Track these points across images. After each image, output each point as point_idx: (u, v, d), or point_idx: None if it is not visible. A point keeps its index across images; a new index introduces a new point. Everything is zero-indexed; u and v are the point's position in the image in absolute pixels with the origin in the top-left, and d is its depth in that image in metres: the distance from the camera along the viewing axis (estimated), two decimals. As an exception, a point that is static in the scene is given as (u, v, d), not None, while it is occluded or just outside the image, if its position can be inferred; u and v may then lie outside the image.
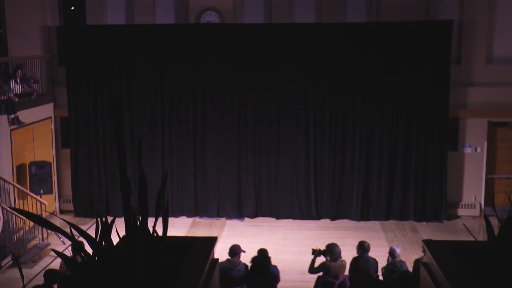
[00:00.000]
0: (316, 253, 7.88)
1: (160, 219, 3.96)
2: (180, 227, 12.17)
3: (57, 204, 13.27)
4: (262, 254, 8.03)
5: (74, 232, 3.75)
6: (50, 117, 13.01)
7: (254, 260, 8.03)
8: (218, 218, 12.86)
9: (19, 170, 11.72)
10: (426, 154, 12.46)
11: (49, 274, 7.08)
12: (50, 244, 10.99)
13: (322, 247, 8.00)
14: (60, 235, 10.00)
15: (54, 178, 12.76)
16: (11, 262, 9.97)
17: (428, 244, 5.41)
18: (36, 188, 11.60)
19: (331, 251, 7.86)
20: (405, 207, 12.65)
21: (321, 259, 7.96)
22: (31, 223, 10.99)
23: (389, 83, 12.28)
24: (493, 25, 12.63)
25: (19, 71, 11.94)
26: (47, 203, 11.58)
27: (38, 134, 12.47)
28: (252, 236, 11.68)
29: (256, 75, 12.42)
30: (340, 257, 7.92)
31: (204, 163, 12.78)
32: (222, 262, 7.74)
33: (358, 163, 12.55)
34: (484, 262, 4.54)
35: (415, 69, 12.17)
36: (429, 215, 12.59)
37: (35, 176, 11.65)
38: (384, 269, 8.08)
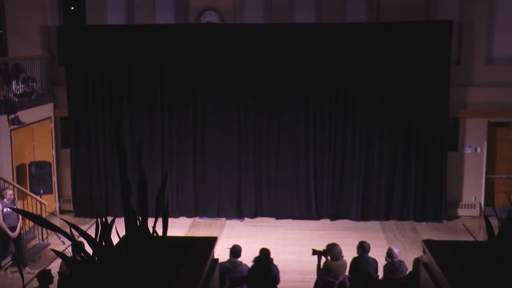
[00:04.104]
0: (318, 254, 7.88)
1: (160, 219, 3.96)
2: (180, 227, 12.17)
3: (57, 204, 13.27)
4: (265, 254, 8.03)
5: (74, 232, 3.75)
6: (50, 117, 13.01)
7: (256, 260, 8.02)
8: (218, 218, 12.87)
9: (19, 170, 11.72)
10: (426, 154, 12.46)
11: (42, 276, 7.06)
12: (50, 244, 10.99)
13: (322, 247, 8.00)
14: (60, 235, 10.00)
15: (54, 178, 12.76)
16: (11, 262, 9.97)
17: (428, 244, 5.41)
18: (36, 188, 11.60)
19: (331, 250, 7.87)
20: (405, 207, 12.65)
21: (324, 260, 7.97)
22: (31, 223, 10.99)
23: (389, 83, 12.28)
24: (493, 25, 12.63)
25: (22, 75, 11.96)
26: (47, 203, 11.57)
27: (38, 134, 12.47)
28: (252, 236, 11.68)
29: (256, 75, 12.42)
30: (341, 257, 7.93)
31: (204, 163, 12.77)
32: (223, 263, 7.74)
33: (358, 163, 12.54)
34: (484, 262, 4.54)
35: (415, 69, 12.17)
36: (429, 215, 12.59)
37: (35, 176, 11.64)
38: (384, 269, 8.08)
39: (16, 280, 9.69)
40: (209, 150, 12.73)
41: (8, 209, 9.70)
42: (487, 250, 4.60)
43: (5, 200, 9.87)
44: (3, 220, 9.73)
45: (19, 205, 10.53)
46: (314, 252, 7.91)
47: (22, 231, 10.21)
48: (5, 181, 10.97)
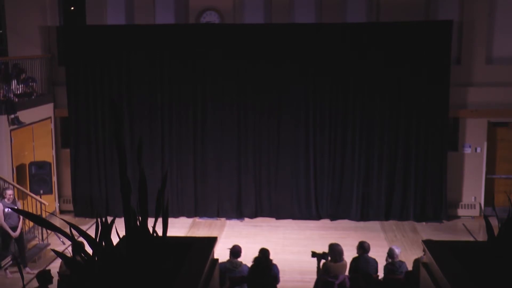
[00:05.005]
0: (317, 256, 7.87)
1: (160, 219, 3.96)
2: (180, 227, 12.16)
3: (57, 204, 13.27)
4: (264, 255, 8.02)
5: (74, 232, 3.75)
6: (50, 117, 13.01)
7: (256, 260, 8.02)
8: (218, 218, 12.86)
9: (19, 170, 11.72)
10: (426, 154, 12.46)
11: (42, 276, 7.06)
12: (50, 244, 10.99)
13: (322, 248, 7.99)
14: (60, 235, 9.97)
15: (54, 178, 12.76)
16: (11, 262, 9.97)
17: (428, 244, 5.42)
18: (36, 188, 11.59)
19: (333, 250, 7.86)
20: (405, 207, 12.65)
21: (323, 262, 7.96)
22: (31, 223, 10.98)
23: (389, 83, 12.28)
24: (493, 25, 12.64)
25: (23, 75, 11.96)
26: (47, 203, 11.57)
27: (38, 134, 12.47)
28: (252, 236, 11.67)
29: (256, 75, 12.42)
30: (342, 258, 7.92)
31: (204, 163, 12.77)
32: (223, 263, 7.74)
33: (358, 163, 12.54)
34: (484, 262, 4.54)
35: (415, 69, 12.17)
36: (429, 215, 12.59)
37: (35, 176, 11.64)
38: (384, 269, 8.08)
39: (16, 280, 9.69)
40: (209, 150, 12.73)
41: (9, 209, 9.71)
42: (487, 250, 4.60)
43: (5, 200, 9.88)
44: (4, 220, 9.75)
45: (19, 205, 10.53)
46: (314, 254, 7.90)
47: (22, 231, 10.22)
48: (5, 181, 10.97)
